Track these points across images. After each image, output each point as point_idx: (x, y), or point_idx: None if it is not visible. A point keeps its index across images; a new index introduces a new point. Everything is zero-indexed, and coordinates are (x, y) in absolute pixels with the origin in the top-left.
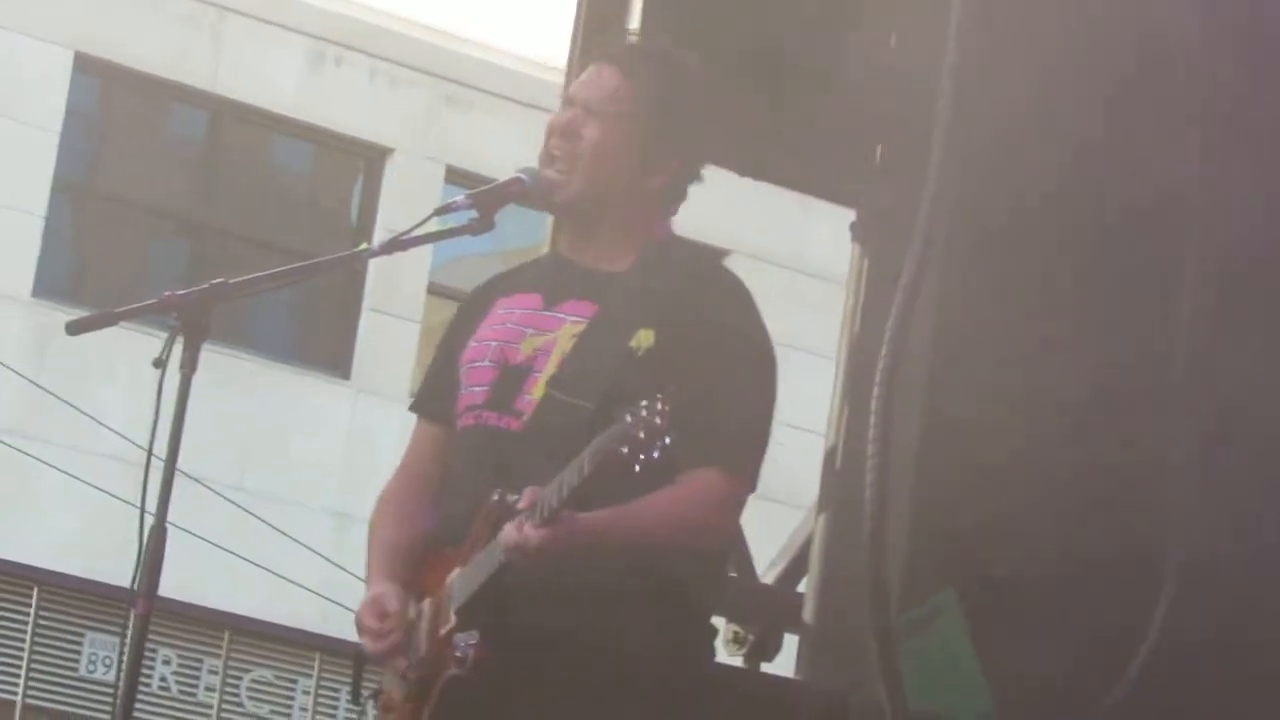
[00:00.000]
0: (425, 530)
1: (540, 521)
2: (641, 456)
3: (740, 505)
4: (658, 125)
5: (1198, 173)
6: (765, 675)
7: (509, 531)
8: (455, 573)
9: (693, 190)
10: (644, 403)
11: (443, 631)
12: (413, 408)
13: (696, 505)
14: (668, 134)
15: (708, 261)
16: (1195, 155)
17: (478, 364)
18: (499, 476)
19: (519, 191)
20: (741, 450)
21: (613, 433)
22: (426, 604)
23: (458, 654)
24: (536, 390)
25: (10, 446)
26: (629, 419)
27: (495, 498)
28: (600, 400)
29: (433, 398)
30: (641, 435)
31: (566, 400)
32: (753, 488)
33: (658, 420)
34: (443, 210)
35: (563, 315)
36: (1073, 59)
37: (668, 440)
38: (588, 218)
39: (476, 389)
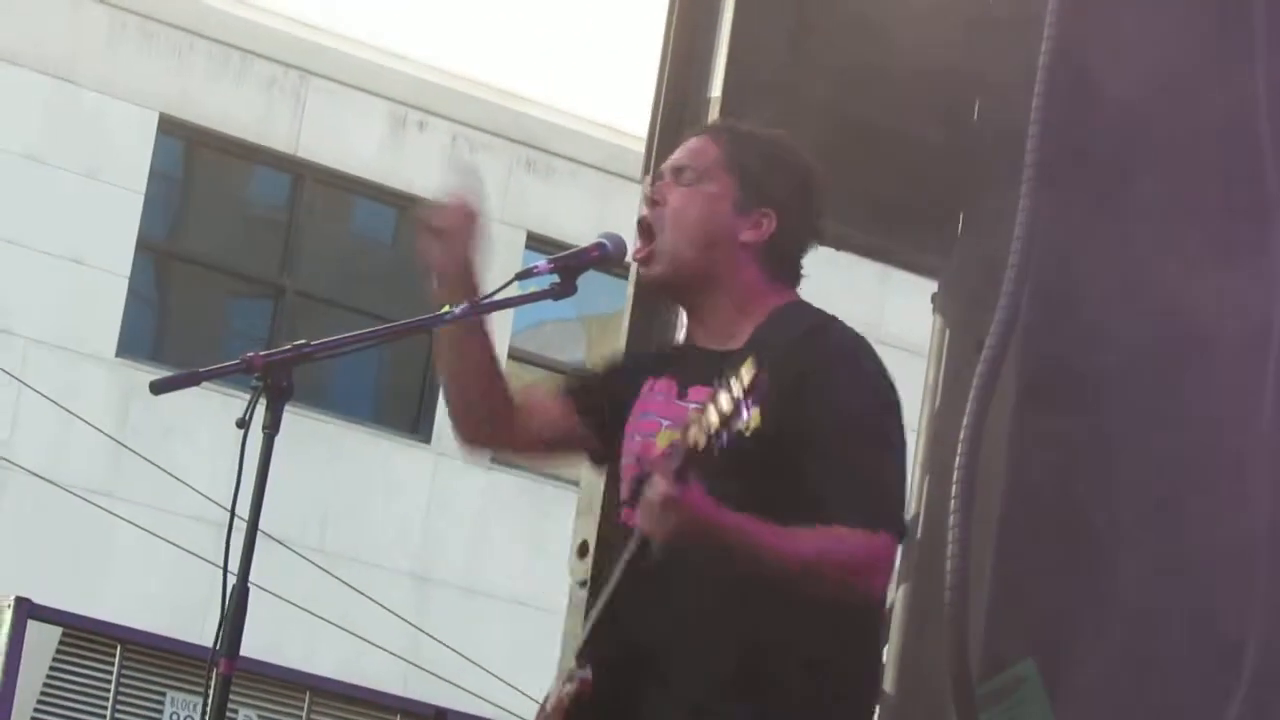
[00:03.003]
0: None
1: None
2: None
3: (888, 556)
4: (738, 176)
5: None
6: None
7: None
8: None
9: None
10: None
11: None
12: (564, 388)
13: (841, 541)
14: (750, 185)
15: (814, 321)
16: None
17: (627, 459)
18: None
19: (599, 257)
20: (877, 505)
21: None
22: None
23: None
24: None
25: (94, 505)
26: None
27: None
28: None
29: (587, 391)
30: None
31: None
32: (900, 535)
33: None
34: (524, 275)
35: (688, 405)
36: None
37: (746, 415)
38: (689, 291)
39: (624, 483)
